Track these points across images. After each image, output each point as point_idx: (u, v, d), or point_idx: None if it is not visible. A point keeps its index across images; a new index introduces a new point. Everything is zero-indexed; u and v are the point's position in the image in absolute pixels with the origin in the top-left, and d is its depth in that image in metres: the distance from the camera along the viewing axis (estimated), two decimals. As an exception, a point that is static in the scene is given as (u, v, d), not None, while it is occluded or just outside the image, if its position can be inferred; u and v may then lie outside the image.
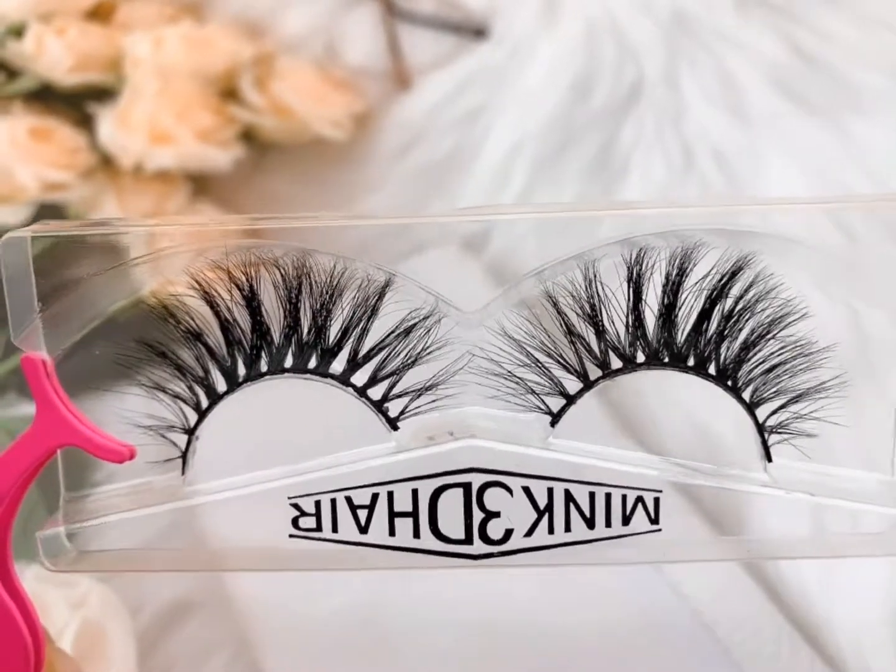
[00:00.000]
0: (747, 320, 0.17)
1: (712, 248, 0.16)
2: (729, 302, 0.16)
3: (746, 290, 0.17)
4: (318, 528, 0.17)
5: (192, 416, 0.17)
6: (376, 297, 0.18)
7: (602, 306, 0.17)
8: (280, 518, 0.17)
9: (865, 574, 0.28)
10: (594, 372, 0.17)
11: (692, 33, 0.46)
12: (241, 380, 0.17)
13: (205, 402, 0.17)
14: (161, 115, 0.40)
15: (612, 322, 0.17)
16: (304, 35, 0.47)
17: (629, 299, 0.17)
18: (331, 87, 0.43)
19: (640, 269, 0.17)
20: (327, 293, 0.17)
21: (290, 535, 0.17)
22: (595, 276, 0.17)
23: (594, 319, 0.17)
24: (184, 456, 0.18)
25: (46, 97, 0.43)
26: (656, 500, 0.17)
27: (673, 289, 0.16)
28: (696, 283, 0.16)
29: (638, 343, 0.16)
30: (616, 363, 0.17)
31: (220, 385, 0.17)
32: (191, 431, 0.17)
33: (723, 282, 0.16)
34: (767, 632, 0.26)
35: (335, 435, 0.17)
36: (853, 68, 0.44)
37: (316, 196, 0.40)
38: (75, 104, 0.42)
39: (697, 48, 0.45)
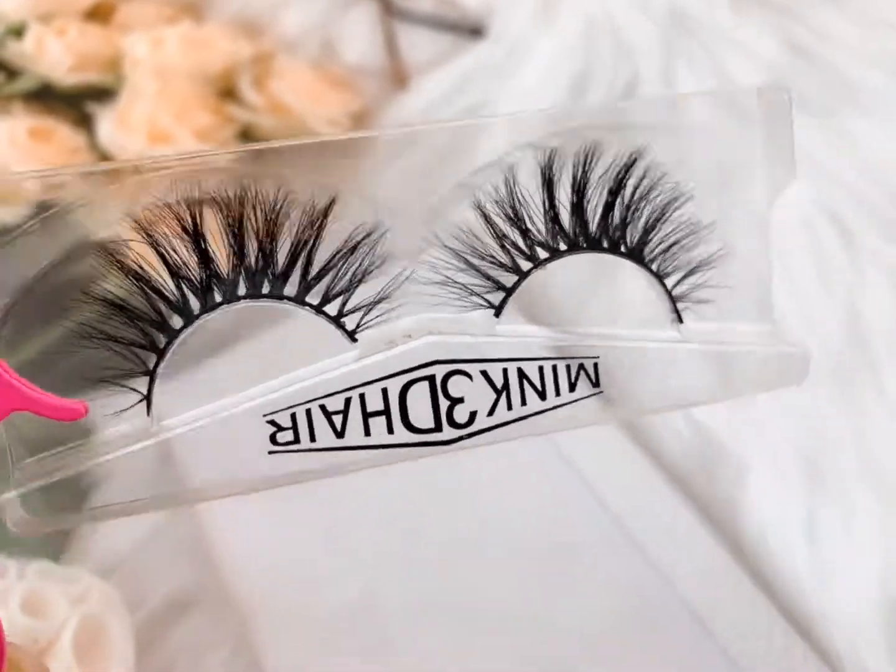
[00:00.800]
0: (644, 206, 0.19)
1: (608, 146, 0.19)
2: (627, 192, 0.19)
3: (640, 181, 0.19)
4: (297, 440, 0.18)
5: (151, 358, 0.17)
6: (321, 218, 0.18)
7: (523, 208, 0.19)
8: (257, 437, 0.17)
9: (859, 567, 0.28)
10: (525, 265, 0.19)
11: (689, 32, 0.46)
12: (196, 313, 0.17)
13: (162, 342, 0.17)
14: (160, 115, 0.40)
15: (534, 221, 0.19)
16: (302, 34, 0.48)
17: (545, 199, 0.19)
18: (328, 86, 0.44)
19: (551, 171, 0.19)
20: (271, 218, 0.17)
21: (270, 452, 0.17)
22: (514, 182, 0.19)
23: (518, 221, 0.19)
24: (148, 398, 0.18)
25: (46, 97, 0.43)
26: (595, 366, 0.19)
27: (580, 186, 0.19)
28: (599, 177, 0.18)
29: (558, 235, 0.19)
30: (543, 254, 0.19)
31: (176, 323, 0.17)
32: (151, 373, 0.17)
33: (620, 175, 0.19)
34: (761, 625, 0.26)
35: (297, 354, 0.18)
36: (851, 66, 0.44)
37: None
38: (75, 104, 0.43)
39: (694, 46, 0.46)
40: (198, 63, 0.44)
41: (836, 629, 0.27)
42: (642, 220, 0.19)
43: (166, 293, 0.17)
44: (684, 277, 0.19)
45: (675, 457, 0.30)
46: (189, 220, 0.17)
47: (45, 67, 0.44)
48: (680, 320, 0.20)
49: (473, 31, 0.47)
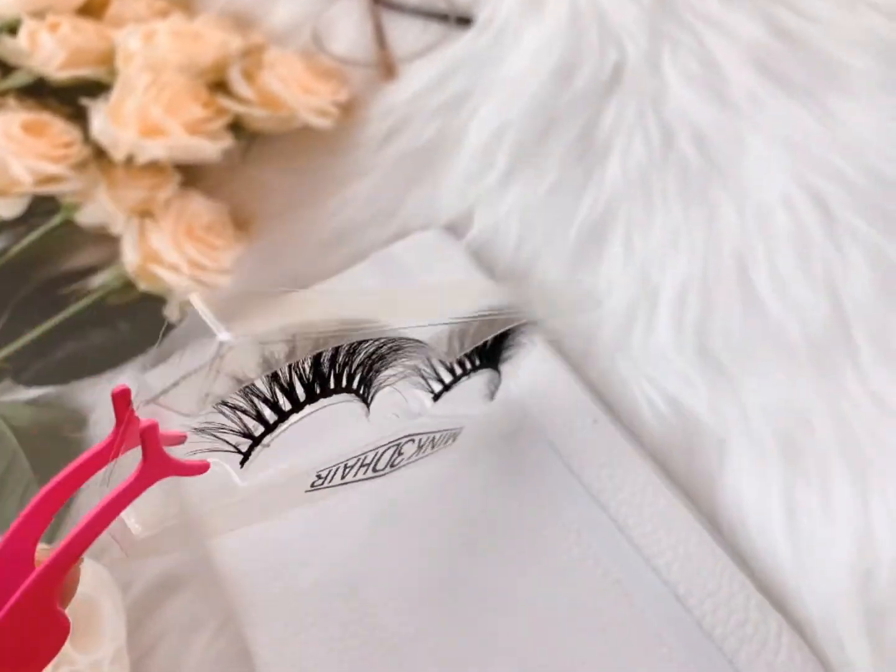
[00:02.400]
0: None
1: None
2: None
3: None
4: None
5: (258, 428, 0.21)
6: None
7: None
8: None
9: (834, 542, 0.28)
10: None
11: (674, 15, 0.47)
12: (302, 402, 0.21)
13: (271, 418, 0.21)
14: (151, 108, 0.41)
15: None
16: (292, 26, 0.48)
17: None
18: (317, 77, 0.44)
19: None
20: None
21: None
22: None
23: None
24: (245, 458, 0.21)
25: (40, 92, 0.44)
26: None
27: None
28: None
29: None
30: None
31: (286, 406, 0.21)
32: (257, 439, 0.21)
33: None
34: (737, 599, 0.26)
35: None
36: (835, 48, 0.44)
37: (303, 183, 0.41)
38: (68, 98, 0.43)
39: (679, 30, 0.46)
40: (189, 56, 0.44)
41: (812, 602, 0.27)
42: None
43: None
44: None
45: (655, 435, 0.31)
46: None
47: (39, 62, 0.44)
48: None
49: (461, 20, 0.47)
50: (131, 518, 0.20)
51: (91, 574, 0.28)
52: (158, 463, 0.19)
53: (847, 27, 0.45)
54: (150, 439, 0.19)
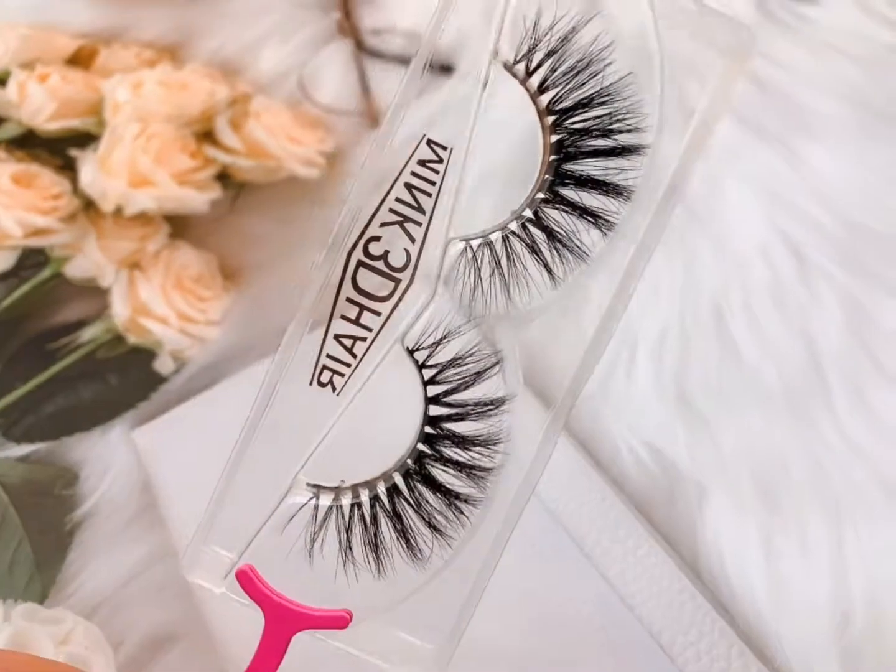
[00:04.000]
0: None
1: None
2: None
3: None
4: None
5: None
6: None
7: None
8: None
9: (812, 587, 0.29)
10: None
11: (652, 63, 0.48)
12: None
13: None
14: (140, 159, 0.42)
15: None
16: (277, 74, 0.49)
17: None
18: (303, 126, 0.45)
19: None
20: None
21: None
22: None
23: None
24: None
25: (30, 143, 0.45)
26: None
27: None
28: None
29: None
30: None
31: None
32: None
33: None
34: (719, 647, 0.27)
35: None
36: (806, 95, 0.46)
37: (289, 234, 0.41)
38: (58, 149, 0.44)
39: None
40: (176, 106, 0.45)
41: (790, 649, 0.28)
42: None
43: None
44: None
45: (637, 482, 0.32)
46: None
47: (28, 114, 0.45)
48: None
49: (444, 68, 0.48)
50: None
51: (83, 632, 0.28)
52: (283, 616, 0.18)
53: (819, 75, 0.47)
54: (251, 586, 0.18)
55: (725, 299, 0.37)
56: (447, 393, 0.21)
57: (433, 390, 0.21)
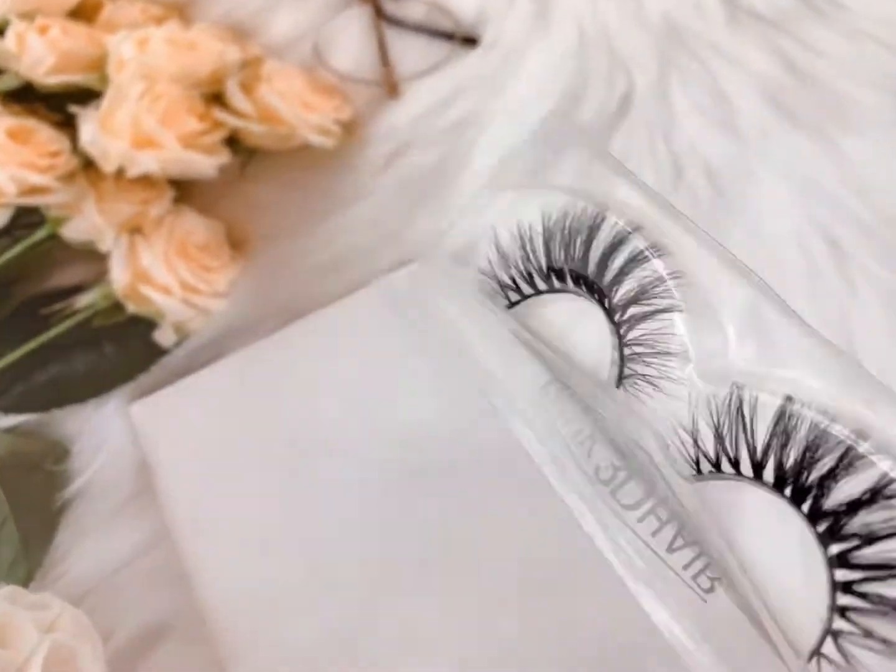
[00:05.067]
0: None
1: None
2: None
3: None
4: None
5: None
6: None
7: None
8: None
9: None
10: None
11: (684, 44, 0.46)
12: None
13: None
14: (145, 119, 0.39)
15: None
16: (292, 38, 0.47)
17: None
18: (318, 93, 0.43)
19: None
20: None
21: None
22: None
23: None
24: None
25: (27, 97, 0.42)
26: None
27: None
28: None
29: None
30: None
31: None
32: None
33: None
34: None
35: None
36: (843, 83, 0.44)
37: (301, 204, 0.39)
38: (57, 105, 0.41)
39: (689, 60, 0.45)
40: (184, 66, 0.42)
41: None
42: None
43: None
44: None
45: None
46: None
47: (27, 66, 0.42)
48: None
49: (466, 40, 0.46)
50: None
51: (70, 620, 0.26)
52: None
53: (856, 63, 0.45)
54: None
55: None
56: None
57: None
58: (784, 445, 0.18)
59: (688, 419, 0.20)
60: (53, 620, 0.25)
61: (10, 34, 0.43)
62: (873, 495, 0.16)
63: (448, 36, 0.46)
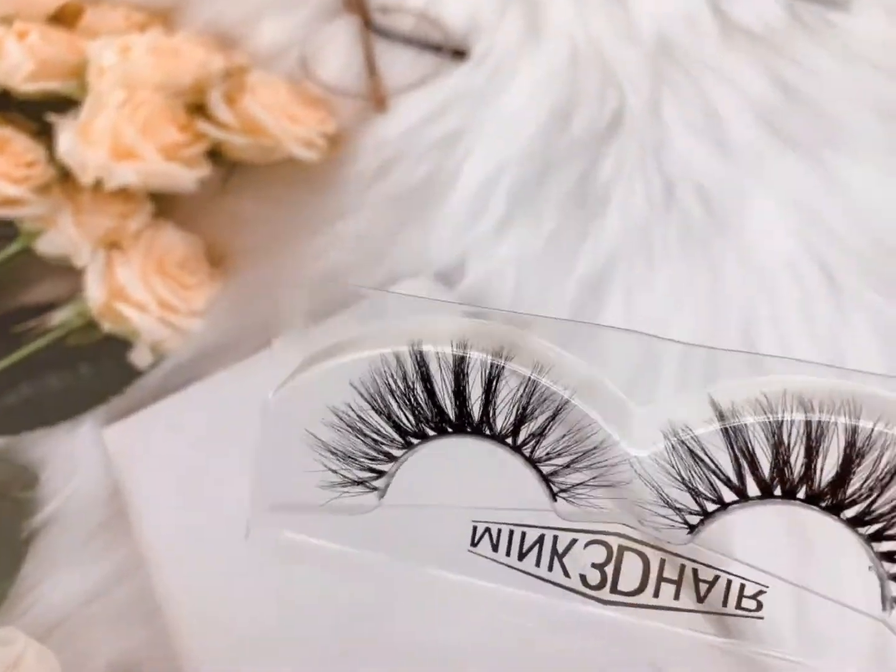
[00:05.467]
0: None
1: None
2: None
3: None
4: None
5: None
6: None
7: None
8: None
9: (848, 640, 0.27)
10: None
11: (676, 61, 0.46)
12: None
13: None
14: (125, 129, 0.38)
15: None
16: (278, 48, 0.46)
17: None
18: (304, 105, 0.42)
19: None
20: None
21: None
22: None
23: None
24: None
25: (4, 104, 0.41)
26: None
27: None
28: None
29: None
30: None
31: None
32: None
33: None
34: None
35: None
36: (836, 104, 0.44)
37: (284, 219, 0.38)
38: (34, 113, 0.40)
39: (681, 77, 0.45)
40: (166, 74, 0.41)
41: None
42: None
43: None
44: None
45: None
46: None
47: (4, 73, 0.41)
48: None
49: (456, 52, 0.45)
50: None
51: (35, 657, 0.25)
52: None
53: (849, 85, 0.45)
54: None
55: (753, 313, 0.35)
56: None
57: None
58: (751, 460, 0.18)
59: (650, 492, 0.19)
60: (17, 658, 0.24)
61: (-13, 39, 0.42)
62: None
63: (437, 48, 0.45)
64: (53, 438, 0.30)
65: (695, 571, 0.20)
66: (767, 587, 0.20)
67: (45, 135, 0.39)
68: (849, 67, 0.46)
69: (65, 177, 0.38)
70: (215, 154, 0.39)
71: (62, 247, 0.36)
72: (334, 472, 0.20)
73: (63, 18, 0.46)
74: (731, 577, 0.20)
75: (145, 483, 0.29)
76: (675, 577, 0.20)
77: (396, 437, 0.20)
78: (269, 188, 0.39)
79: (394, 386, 0.19)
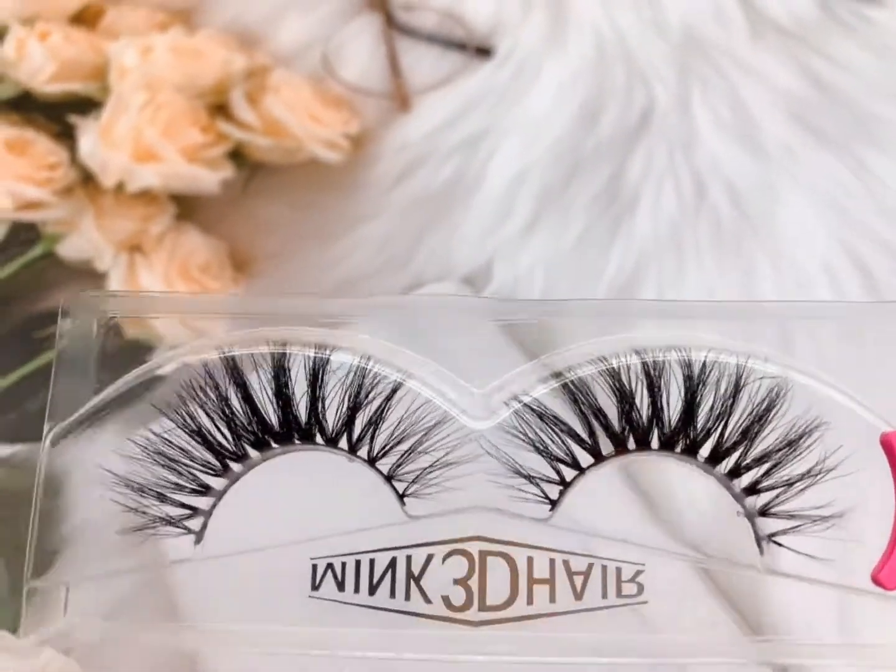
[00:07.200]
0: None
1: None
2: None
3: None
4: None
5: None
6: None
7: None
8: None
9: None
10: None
11: (705, 57, 0.45)
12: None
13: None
14: (146, 130, 0.38)
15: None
16: (300, 47, 0.45)
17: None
18: (327, 105, 0.41)
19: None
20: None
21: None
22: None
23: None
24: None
25: (26, 106, 0.41)
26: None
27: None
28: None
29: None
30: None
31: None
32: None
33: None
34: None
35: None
36: (870, 100, 0.42)
37: (308, 222, 0.38)
38: (56, 115, 0.40)
39: (711, 73, 0.44)
40: (188, 75, 0.41)
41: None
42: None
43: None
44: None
45: (697, 533, 0.28)
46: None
47: (26, 74, 0.41)
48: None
49: (480, 50, 0.44)
50: None
51: (60, 669, 0.25)
52: None
53: (883, 80, 0.43)
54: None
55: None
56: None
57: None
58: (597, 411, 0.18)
59: (500, 466, 0.18)
60: (42, 669, 0.24)
61: (10, 40, 0.42)
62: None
63: (461, 46, 0.45)
64: (78, 444, 0.30)
65: (566, 564, 0.18)
66: (644, 565, 0.18)
67: (66, 137, 0.39)
68: (883, 63, 0.44)
69: (86, 179, 0.38)
70: (237, 155, 0.39)
71: (84, 250, 0.36)
72: (135, 510, 0.18)
73: (85, 18, 0.45)
74: (605, 563, 0.18)
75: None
76: (547, 576, 0.18)
77: (212, 459, 0.17)
78: (291, 190, 0.39)
79: (204, 398, 0.18)
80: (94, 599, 0.26)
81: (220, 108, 0.41)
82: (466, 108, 0.42)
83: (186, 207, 0.37)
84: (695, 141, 0.41)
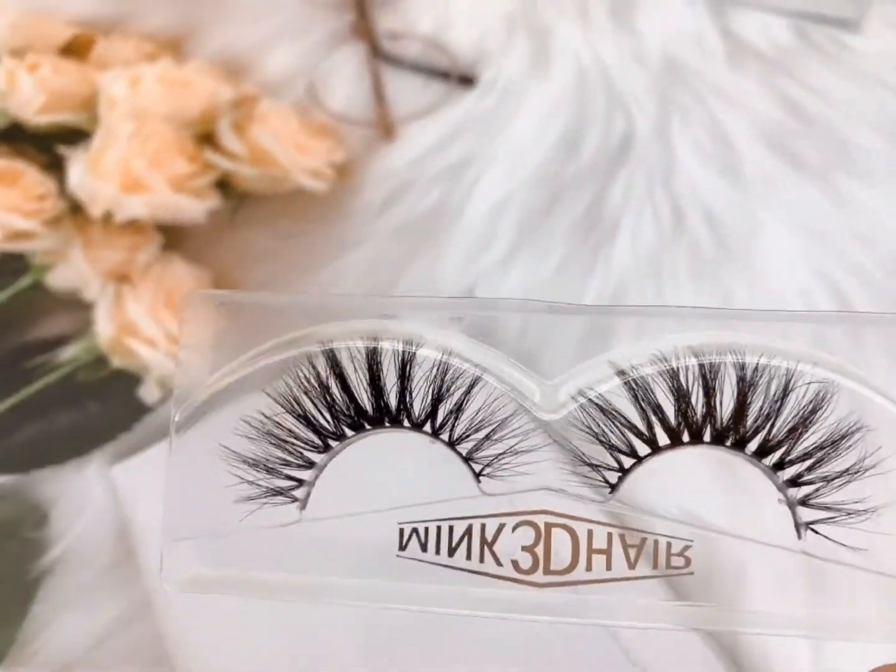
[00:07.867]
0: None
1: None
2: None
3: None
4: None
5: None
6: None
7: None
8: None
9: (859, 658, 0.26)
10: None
11: (685, 85, 0.45)
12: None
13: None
14: (134, 161, 0.38)
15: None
16: (286, 77, 0.46)
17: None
18: (312, 135, 0.42)
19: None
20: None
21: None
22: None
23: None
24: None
25: (15, 137, 0.41)
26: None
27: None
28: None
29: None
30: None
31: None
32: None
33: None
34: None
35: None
36: (848, 127, 0.43)
37: (294, 250, 0.38)
38: (45, 146, 0.41)
39: (690, 101, 0.44)
40: (176, 105, 0.42)
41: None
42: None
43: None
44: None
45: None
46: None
47: (16, 105, 0.42)
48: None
49: (463, 79, 0.45)
50: None
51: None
52: None
53: (861, 107, 0.44)
54: None
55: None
56: None
57: None
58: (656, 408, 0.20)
59: (566, 454, 0.20)
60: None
61: (0, 72, 0.43)
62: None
63: (445, 75, 0.45)
64: (62, 477, 0.30)
65: (621, 537, 0.20)
66: (692, 542, 0.20)
67: (55, 167, 0.40)
68: (860, 89, 0.45)
69: (75, 210, 0.38)
70: (224, 185, 0.40)
71: (72, 280, 0.36)
72: (251, 483, 0.20)
73: (74, 49, 0.46)
74: (656, 538, 0.20)
75: (155, 522, 0.29)
76: (604, 547, 0.20)
77: (315, 439, 0.20)
78: (277, 220, 0.39)
79: (308, 386, 0.20)
80: (78, 629, 0.26)
81: (208, 138, 0.41)
82: (450, 136, 0.42)
83: (173, 237, 0.38)
84: (674, 168, 0.41)
